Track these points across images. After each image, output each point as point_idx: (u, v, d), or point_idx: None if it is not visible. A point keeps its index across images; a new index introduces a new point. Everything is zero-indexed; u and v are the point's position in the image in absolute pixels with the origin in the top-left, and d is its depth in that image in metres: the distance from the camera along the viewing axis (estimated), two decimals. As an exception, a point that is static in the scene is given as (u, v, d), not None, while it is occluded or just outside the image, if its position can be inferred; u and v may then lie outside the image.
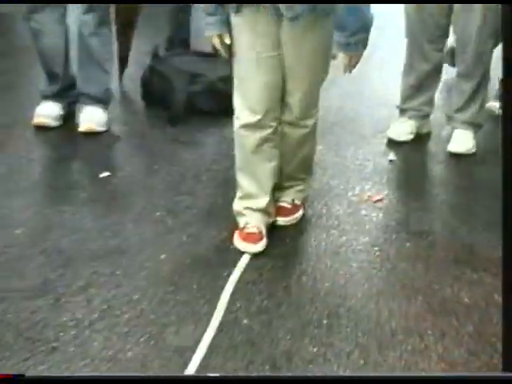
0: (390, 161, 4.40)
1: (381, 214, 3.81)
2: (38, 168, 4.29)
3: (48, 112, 4.60)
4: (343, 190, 4.05)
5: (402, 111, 4.67)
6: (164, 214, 3.72)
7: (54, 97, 4.62)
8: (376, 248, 3.50)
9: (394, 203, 3.93)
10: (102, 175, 4.12)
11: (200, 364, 2.67)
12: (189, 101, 4.82)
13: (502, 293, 1.98)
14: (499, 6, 3.92)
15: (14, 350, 2.65)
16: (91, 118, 4.58)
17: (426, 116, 4.66)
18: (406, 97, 4.63)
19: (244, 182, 3.42)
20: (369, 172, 4.28)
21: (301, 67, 3.22)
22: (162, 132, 4.74)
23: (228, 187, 3.70)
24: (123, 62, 5.23)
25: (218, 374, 2.57)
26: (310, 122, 3.41)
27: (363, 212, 3.81)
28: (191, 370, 2.66)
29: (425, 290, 3.17)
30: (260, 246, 3.33)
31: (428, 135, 4.73)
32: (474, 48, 4.25)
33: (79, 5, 4.38)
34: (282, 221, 3.56)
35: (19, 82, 5.36)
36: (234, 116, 3.29)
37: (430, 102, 4.65)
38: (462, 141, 4.45)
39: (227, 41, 3.17)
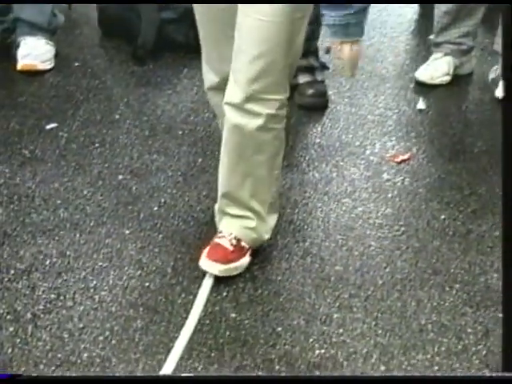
0: (420, 110, 4.49)
1: (407, 179, 3.88)
2: None
3: None
4: (359, 148, 4.14)
5: (436, 45, 4.76)
6: (128, 178, 3.80)
7: None
8: (401, 222, 3.55)
9: (423, 165, 4.02)
10: (48, 127, 4.21)
11: (176, 368, 2.70)
12: (160, 31, 4.86)
13: (502, 292, 2.14)
14: None
15: None
16: (32, 51, 4.65)
17: (468, 51, 4.76)
18: (441, 26, 4.71)
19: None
20: (392, 125, 4.36)
21: (254, 29, 3.28)
22: (126, 71, 4.81)
23: (209, 143, 3.78)
24: None
25: (216, 374, 2.60)
26: (262, 109, 3.34)
27: (385, 176, 3.89)
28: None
29: (463, 277, 3.21)
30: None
31: (469, 77, 4.84)
32: None
33: None
34: (213, 268, 3.45)
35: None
36: None
37: (473, 34, 4.72)
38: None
39: None
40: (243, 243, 3.41)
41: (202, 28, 3.53)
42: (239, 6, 3.29)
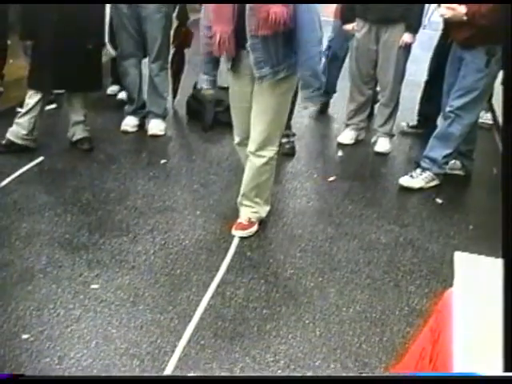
0: (340, 156, 4.96)
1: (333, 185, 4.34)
2: (123, 156, 4.60)
3: (129, 122, 5.04)
4: (316, 171, 4.59)
5: (347, 126, 5.21)
6: (198, 186, 4.15)
7: (133, 113, 5.05)
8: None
9: (341, 182, 4.43)
10: (161, 161, 4.54)
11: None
12: (215, 116, 5.10)
13: (502, 292, 1.54)
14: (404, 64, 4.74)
15: None
16: (155, 126, 4.99)
17: (361, 129, 5.20)
18: (349, 117, 5.22)
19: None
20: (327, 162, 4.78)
21: (259, 113, 3.38)
22: (198, 135, 5.08)
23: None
24: (175, 92, 5.51)
25: (216, 374, 2.53)
26: (266, 154, 3.45)
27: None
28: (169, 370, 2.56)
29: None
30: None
31: (362, 141, 5.21)
32: (390, 88, 4.93)
33: (150, 56, 4.83)
34: (240, 233, 3.62)
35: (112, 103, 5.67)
36: None
37: (364, 121, 5.24)
38: (383, 144, 5.09)
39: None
40: (252, 219, 3.66)
41: (232, 107, 3.59)
42: (254, 96, 3.38)
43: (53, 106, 5.20)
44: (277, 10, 3.00)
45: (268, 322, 2.89)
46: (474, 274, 1.74)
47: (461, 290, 1.69)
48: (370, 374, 2.54)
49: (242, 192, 3.61)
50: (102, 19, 4.44)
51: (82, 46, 4.25)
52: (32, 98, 4.39)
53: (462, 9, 3.97)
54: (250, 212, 3.62)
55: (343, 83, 5.71)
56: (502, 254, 1.66)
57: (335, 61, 5.61)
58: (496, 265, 1.54)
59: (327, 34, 5.45)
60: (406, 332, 2.87)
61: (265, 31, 3.06)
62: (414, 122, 5.42)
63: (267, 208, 3.71)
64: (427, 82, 5.31)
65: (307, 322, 2.92)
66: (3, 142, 4.45)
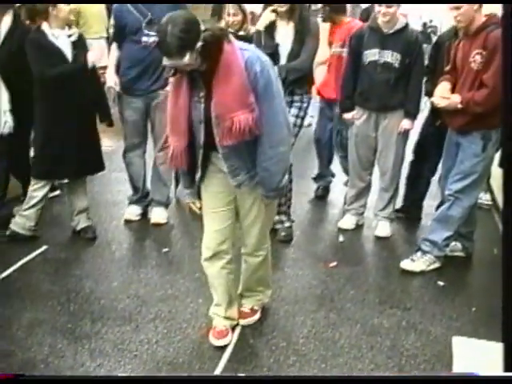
0: (340, 242, 4.95)
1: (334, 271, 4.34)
2: (125, 244, 4.71)
3: (132, 211, 5.14)
4: (317, 256, 4.61)
5: (347, 211, 5.26)
6: (200, 274, 3.89)
7: (136, 202, 5.14)
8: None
9: (343, 267, 4.43)
10: (164, 250, 4.56)
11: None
12: None
13: (501, 294, 1.63)
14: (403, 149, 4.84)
15: None
16: (157, 215, 5.06)
17: (361, 214, 5.23)
18: (350, 202, 5.22)
19: (213, 295, 3.49)
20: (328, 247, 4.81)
21: (249, 218, 3.29)
22: (200, 223, 4.78)
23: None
24: (177, 180, 5.40)
25: (216, 374, 2.75)
26: (262, 253, 3.43)
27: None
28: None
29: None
30: (226, 341, 3.41)
31: (362, 225, 5.23)
32: (390, 173, 5.03)
33: (156, 145, 4.92)
34: (243, 322, 3.58)
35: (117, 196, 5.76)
36: None
37: (364, 206, 5.24)
38: (384, 228, 5.13)
39: (198, 205, 3.29)
40: (255, 307, 3.65)
41: (210, 213, 3.33)
42: (239, 201, 3.27)
43: (56, 192, 5.31)
44: (241, 117, 2.85)
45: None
46: (473, 357, 1.75)
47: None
48: (372, 375, 2.65)
49: (241, 289, 3.63)
50: (103, 97, 4.63)
51: (85, 130, 4.43)
52: (38, 192, 4.51)
53: (456, 98, 4.11)
54: (252, 300, 3.64)
55: (338, 168, 5.92)
56: (502, 338, 1.64)
57: (318, 143, 5.77)
58: (494, 349, 1.57)
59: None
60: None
61: (231, 141, 2.91)
62: (400, 205, 5.38)
63: (269, 292, 3.73)
64: (411, 166, 5.36)
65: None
66: (7, 232, 4.60)
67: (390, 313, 3.91)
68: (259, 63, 2.88)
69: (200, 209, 3.28)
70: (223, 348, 3.38)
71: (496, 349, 1.48)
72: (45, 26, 4.28)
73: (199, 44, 2.73)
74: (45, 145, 4.43)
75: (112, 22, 5.08)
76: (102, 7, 7.90)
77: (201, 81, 2.93)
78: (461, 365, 1.79)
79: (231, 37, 2.90)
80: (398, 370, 3.34)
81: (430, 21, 15.59)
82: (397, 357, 3.45)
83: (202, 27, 2.77)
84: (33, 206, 4.46)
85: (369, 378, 2.01)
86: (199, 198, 3.27)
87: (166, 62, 2.79)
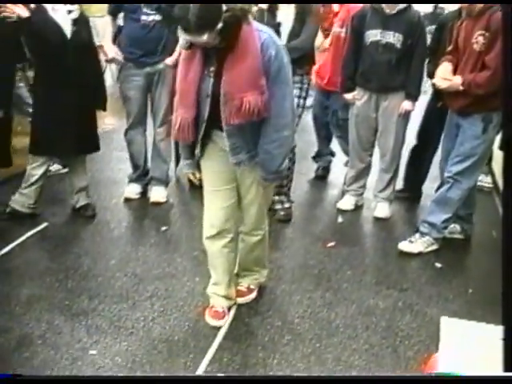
0: (340, 223, 4.98)
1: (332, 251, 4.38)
2: (125, 223, 4.75)
3: (132, 190, 5.17)
4: (315, 236, 4.63)
5: (346, 191, 5.29)
6: (198, 252, 4.09)
7: (136, 180, 5.17)
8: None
9: (341, 247, 4.47)
10: (162, 229, 4.59)
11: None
12: None
13: (501, 293, 1.62)
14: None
15: None
16: (157, 194, 5.10)
17: (361, 195, 5.26)
18: (349, 183, 5.27)
19: (212, 273, 3.49)
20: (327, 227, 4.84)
21: (248, 197, 3.32)
22: (200, 202, 4.75)
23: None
24: (177, 159, 5.49)
25: (217, 374, 2.75)
26: (260, 232, 3.46)
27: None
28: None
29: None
30: (222, 322, 3.41)
31: (362, 206, 5.26)
32: (390, 155, 5.03)
33: (155, 121, 4.91)
34: (240, 300, 3.60)
35: (119, 175, 5.81)
36: None
37: (364, 186, 5.31)
38: (383, 210, 5.16)
39: (198, 176, 3.30)
40: (252, 286, 3.69)
41: (211, 192, 3.35)
42: (240, 179, 3.27)
43: (65, 169, 5.27)
44: (251, 98, 2.87)
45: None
46: (459, 338, 1.77)
47: (445, 355, 1.71)
48: (372, 375, 2.69)
49: (237, 269, 3.62)
50: (101, 79, 4.63)
51: (82, 109, 4.40)
52: (37, 170, 4.53)
53: (457, 79, 4.09)
54: (248, 279, 3.66)
55: (338, 147, 5.92)
56: (503, 254, 1.61)
57: (316, 121, 5.76)
58: (481, 329, 1.58)
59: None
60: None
61: (238, 120, 2.92)
62: (400, 187, 5.45)
63: (266, 272, 3.74)
64: (414, 149, 5.36)
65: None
66: (7, 210, 4.62)
67: (386, 293, 3.92)
68: (275, 47, 2.90)
69: (199, 180, 3.29)
70: (219, 327, 3.40)
71: (481, 328, 1.50)
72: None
73: (220, 24, 2.73)
74: (41, 121, 4.42)
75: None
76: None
77: (214, 56, 2.94)
78: (446, 344, 1.80)
79: (250, 17, 2.90)
80: (392, 350, 3.35)
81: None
82: (391, 337, 3.47)
83: (224, 7, 2.75)
84: (32, 184, 4.47)
85: (369, 378, 2.00)
86: (198, 169, 3.28)
87: (183, 36, 2.79)
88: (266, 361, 3.15)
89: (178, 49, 4.58)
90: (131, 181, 5.18)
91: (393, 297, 3.90)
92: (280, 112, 2.97)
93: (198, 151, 3.21)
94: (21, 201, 4.59)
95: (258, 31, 2.90)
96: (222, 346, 3.27)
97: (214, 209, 3.28)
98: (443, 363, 1.72)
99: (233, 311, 3.55)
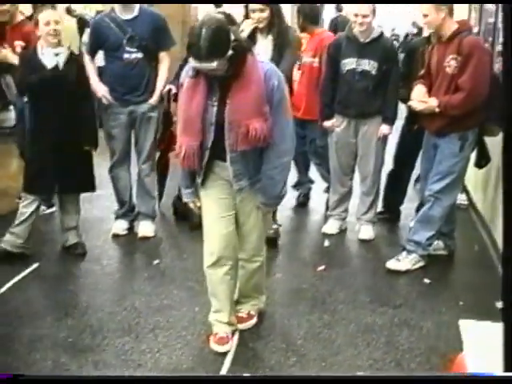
0: (326, 246, 5.04)
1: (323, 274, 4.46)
2: (116, 259, 4.75)
3: (119, 226, 5.15)
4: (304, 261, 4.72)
5: (330, 216, 5.35)
6: (193, 283, 4.17)
7: (122, 216, 5.15)
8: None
9: (330, 269, 4.53)
10: (155, 262, 4.60)
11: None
12: (200, 216, 4.86)
13: (501, 292, 1.64)
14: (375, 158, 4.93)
15: None
16: (145, 228, 5.10)
17: (344, 219, 5.33)
18: (332, 207, 5.33)
19: (213, 301, 3.50)
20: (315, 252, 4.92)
21: (248, 224, 3.36)
22: (187, 234, 5.10)
23: None
24: (160, 195, 5.58)
25: (218, 374, 2.80)
26: (259, 259, 3.51)
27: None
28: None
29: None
30: (228, 347, 3.43)
31: (346, 230, 5.35)
32: (371, 178, 5.17)
33: (140, 157, 5.00)
34: (241, 326, 3.61)
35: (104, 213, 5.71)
36: None
37: (346, 211, 5.35)
38: (367, 232, 5.26)
39: (198, 204, 3.36)
40: (252, 312, 3.70)
41: (212, 221, 3.38)
42: (239, 206, 3.32)
43: (53, 209, 5.32)
44: (257, 125, 2.98)
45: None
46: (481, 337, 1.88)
47: (472, 353, 1.82)
48: (373, 375, 2.70)
49: (237, 296, 3.65)
50: (92, 118, 4.64)
51: (74, 148, 4.44)
52: (28, 208, 4.53)
53: (433, 101, 4.27)
54: (248, 306, 3.69)
55: (315, 175, 6.05)
56: (503, 254, 1.71)
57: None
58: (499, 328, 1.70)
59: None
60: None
61: (244, 146, 3.03)
62: (380, 209, 5.50)
63: (264, 298, 3.78)
64: (391, 172, 5.53)
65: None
66: (-3, 251, 4.58)
67: (381, 311, 4.02)
68: (277, 77, 3.06)
69: (199, 208, 3.33)
70: (224, 353, 3.43)
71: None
72: (38, 45, 4.40)
73: (230, 52, 2.85)
74: (32, 158, 4.47)
75: (87, 36, 5.24)
76: (73, 24, 7.78)
77: (217, 85, 3.04)
78: (471, 347, 1.91)
79: (253, 49, 3.09)
80: (396, 363, 3.46)
81: (393, 29, 15.85)
82: (393, 352, 3.57)
83: (232, 36, 2.88)
84: (22, 222, 4.44)
85: (369, 378, 2.04)
86: (199, 198, 3.34)
87: (193, 63, 2.89)
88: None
89: (160, 85, 4.81)
90: (118, 217, 5.17)
91: (388, 313, 3.99)
92: (282, 139, 3.11)
93: (199, 180, 3.27)
94: (11, 240, 4.57)
95: (260, 62, 3.08)
96: (231, 371, 3.32)
97: (213, 236, 3.31)
98: (472, 364, 1.82)
99: (236, 337, 3.57)
